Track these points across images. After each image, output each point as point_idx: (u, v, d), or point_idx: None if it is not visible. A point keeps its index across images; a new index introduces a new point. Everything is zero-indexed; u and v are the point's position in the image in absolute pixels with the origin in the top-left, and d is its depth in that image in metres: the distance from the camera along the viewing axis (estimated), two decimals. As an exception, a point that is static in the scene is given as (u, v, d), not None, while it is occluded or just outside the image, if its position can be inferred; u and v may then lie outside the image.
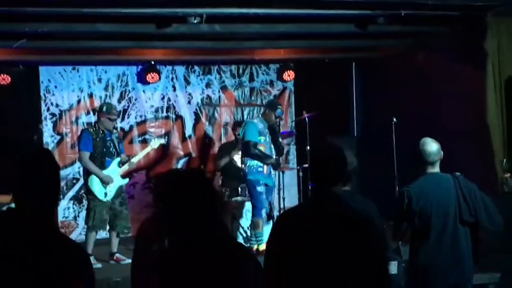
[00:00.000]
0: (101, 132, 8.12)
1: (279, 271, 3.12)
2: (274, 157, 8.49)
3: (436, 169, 5.01)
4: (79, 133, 10.13)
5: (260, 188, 8.30)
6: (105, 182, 8.01)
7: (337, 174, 3.34)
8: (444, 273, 4.87)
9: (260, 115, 8.76)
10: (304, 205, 3.36)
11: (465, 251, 4.93)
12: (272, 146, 8.56)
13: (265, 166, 8.36)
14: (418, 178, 5.03)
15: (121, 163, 8.28)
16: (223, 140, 10.93)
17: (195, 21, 7.30)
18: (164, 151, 10.65)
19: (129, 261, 7.59)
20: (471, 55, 8.21)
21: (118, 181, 8.19)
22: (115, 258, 8.17)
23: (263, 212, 8.40)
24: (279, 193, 9.38)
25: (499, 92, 7.90)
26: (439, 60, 9.06)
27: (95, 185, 8.02)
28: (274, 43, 9.61)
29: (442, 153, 5.03)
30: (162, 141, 9.42)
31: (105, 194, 8.05)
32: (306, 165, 9.18)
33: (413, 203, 4.85)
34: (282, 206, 9.36)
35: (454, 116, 8.54)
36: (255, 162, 8.31)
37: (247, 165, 8.34)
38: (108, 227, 8.22)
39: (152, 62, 10.29)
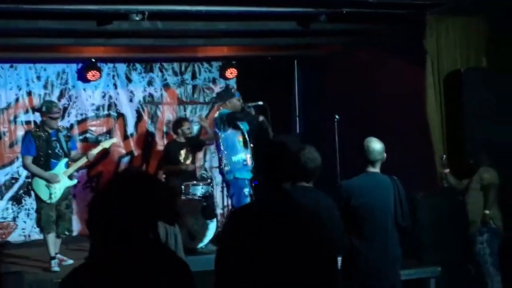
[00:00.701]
0: (45, 132, 7.72)
1: (232, 270, 3.09)
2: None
3: (377, 169, 5.02)
4: (17, 132, 10.07)
5: (247, 191, 7.99)
6: (50, 182, 7.64)
7: (288, 171, 3.33)
8: (381, 276, 4.88)
9: (221, 109, 8.43)
10: (254, 203, 3.32)
11: (398, 253, 5.00)
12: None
13: (248, 158, 8.06)
14: (358, 175, 5.05)
15: (70, 162, 7.90)
16: (165, 139, 10.84)
17: (137, 18, 7.22)
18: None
19: (71, 261, 7.53)
20: (412, 53, 8.35)
21: (65, 183, 7.80)
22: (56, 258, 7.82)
23: None
24: (222, 191, 9.39)
25: (438, 89, 8.04)
26: (380, 58, 9.19)
27: (40, 187, 7.70)
28: (216, 41, 9.60)
29: (385, 155, 5.05)
30: (115, 140, 9.24)
31: (50, 195, 7.69)
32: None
33: (351, 200, 4.85)
34: (226, 203, 9.39)
35: (396, 113, 8.68)
36: (239, 157, 8.04)
37: (232, 161, 8.01)
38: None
39: (93, 60, 10.14)
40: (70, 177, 7.90)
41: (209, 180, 9.65)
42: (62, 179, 7.75)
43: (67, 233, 7.92)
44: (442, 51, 8.05)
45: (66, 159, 7.85)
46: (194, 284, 2.56)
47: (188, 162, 9.20)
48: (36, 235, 9.29)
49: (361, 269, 4.88)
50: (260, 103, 8.48)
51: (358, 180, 4.99)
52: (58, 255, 7.85)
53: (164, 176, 9.50)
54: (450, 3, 7.68)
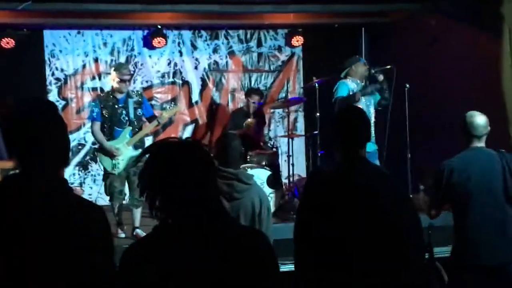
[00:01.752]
0: (114, 98, 7.50)
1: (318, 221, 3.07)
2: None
3: (482, 143, 4.79)
4: (84, 98, 10.17)
5: None
6: (109, 154, 7.46)
7: (365, 137, 3.28)
8: (487, 252, 4.66)
9: (346, 77, 8.11)
10: (334, 166, 3.25)
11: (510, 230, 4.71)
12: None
13: None
14: (460, 151, 4.84)
15: (136, 130, 7.59)
16: (231, 106, 10.80)
17: (204, -17, 7.13)
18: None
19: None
20: (486, 19, 8.05)
21: (129, 153, 7.50)
22: (134, 234, 7.59)
23: None
24: (288, 160, 9.29)
25: (515, 58, 7.74)
26: (451, 25, 8.88)
27: (103, 156, 7.57)
28: (283, 8, 9.43)
29: (489, 128, 4.81)
30: (182, 108, 9.00)
31: (114, 166, 7.49)
32: (316, 132, 9.05)
33: (453, 177, 4.67)
34: (291, 173, 9.29)
35: (468, 83, 8.39)
36: None
37: None
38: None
39: (159, 27, 10.10)
40: (136, 146, 7.61)
41: (274, 149, 9.55)
42: (125, 149, 7.50)
43: (136, 203, 7.54)
44: (519, 17, 7.73)
45: (130, 128, 7.56)
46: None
47: (252, 128, 9.10)
48: (102, 201, 9.36)
49: (470, 250, 4.71)
50: (388, 67, 8.16)
51: (461, 156, 4.78)
52: (137, 230, 7.58)
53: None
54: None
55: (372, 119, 7.87)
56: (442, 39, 8.99)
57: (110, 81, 7.76)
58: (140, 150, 7.47)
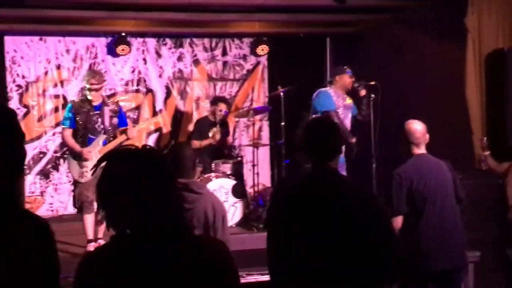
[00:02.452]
0: (87, 104, 7.29)
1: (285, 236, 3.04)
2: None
3: (423, 150, 4.93)
4: (46, 106, 10.00)
5: None
6: (80, 159, 7.20)
7: (336, 149, 3.24)
8: (442, 258, 4.74)
9: (329, 87, 8.18)
10: (303, 179, 3.22)
11: (462, 234, 4.86)
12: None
13: None
14: (406, 161, 4.91)
15: (110, 139, 7.35)
16: (195, 115, 10.71)
17: (170, -10, 7.06)
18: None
19: None
20: (451, 30, 8.10)
21: None
22: (98, 244, 7.18)
23: None
24: (253, 169, 9.24)
25: (478, 69, 7.79)
26: (417, 35, 8.94)
27: (72, 164, 7.33)
28: (249, 16, 9.42)
29: (428, 135, 4.97)
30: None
31: (81, 174, 7.24)
32: (281, 141, 9.03)
33: (413, 185, 4.75)
34: (255, 182, 9.24)
35: (433, 93, 8.45)
36: None
37: None
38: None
39: (123, 34, 9.99)
40: None
41: (239, 159, 9.50)
42: (96, 157, 7.08)
43: None
44: (483, 29, 7.78)
45: (104, 136, 7.34)
46: None
47: (218, 138, 9.05)
48: (63, 210, 9.22)
49: (424, 252, 4.76)
50: (373, 83, 8.19)
51: (412, 164, 4.88)
52: (100, 241, 7.27)
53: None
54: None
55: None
56: (407, 49, 9.04)
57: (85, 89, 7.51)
58: None
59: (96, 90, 7.30)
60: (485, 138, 7.28)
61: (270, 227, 3.23)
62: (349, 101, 8.16)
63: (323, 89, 8.13)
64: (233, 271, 2.32)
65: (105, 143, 7.33)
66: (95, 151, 7.25)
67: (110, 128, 7.39)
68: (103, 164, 2.33)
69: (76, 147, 7.25)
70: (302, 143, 3.40)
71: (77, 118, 7.27)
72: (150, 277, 2.14)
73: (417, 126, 4.96)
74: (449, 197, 4.84)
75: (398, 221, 4.83)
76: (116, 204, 2.21)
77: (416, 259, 4.85)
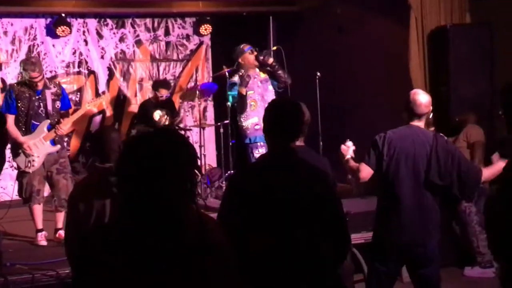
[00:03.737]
0: (28, 89, 6.87)
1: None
2: None
3: (421, 123, 4.77)
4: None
5: (258, 151, 7.56)
6: (24, 149, 6.83)
7: (297, 130, 3.21)
8: (408, 232, 4.68)
9: (238, 69, 8.05)
10: (261, 160, 3.19)
11: (433, 215, 4.73)
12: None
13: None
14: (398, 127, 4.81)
15: (53, 124, 6.92)
16: (139, 96, 10.57)
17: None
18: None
19: None
20: (394, 8, 8.18)
21: (45, 148, 6.89)
22: (57, 235, 6.94)
23: None
24: (200, 150, 9.17)
25: (421, 46, 7.90)
26: (360, 14, 9.00)
27: (17, 152, 6.94)
28: (192, -5, 9.31)
29: (431, 108, 4.82)
30: (103, 98, 8.19)
31: (28, 163, 6.86)
32: (227, 121, 8.98)
33: (384, 147, 4.64)
34: (202, 162, 9.20)
35: (377, 71, 8.53)
36: (250, 121, 7.72)
37: (242, 127, 7.76)
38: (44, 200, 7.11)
39: (63, 15, 9.74)
40: (54, 141, 7.00)
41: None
42: (42, 145, 6.89)
43: (64, 203, 6.76)
44: (426, 6, 7.88)
45: (48, 121, 6.94)
46: None
47: (164, 121, 8.96)
48: (7, 197, 8.97)
49: (391, 229, 4.71)
50: (274, 48, 8.26)
51: (397, 131, 4.75)
52: (61, 231, 6.85)
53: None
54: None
55: None
56: (351, 28, 9.09)
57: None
58: (59, 146, 7.04)
59: (38, 80, 6.86)
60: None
61: (224, 219, 3.17)
62: (263, 75, 8.02)
63: (230, 80, 8.03)
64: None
65: (49, 128, 6.95)
66: (39, 138, 6.90)
67: (53, 112, 7.00)
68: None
69: (19, 137, 6.86)
70: (263, 123, 3.37)
71: (19, 104, 6.87)
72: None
73: (423, 99, 4.74)
74: (416, 173, 4.66)
75: (363, 169, 4.75)
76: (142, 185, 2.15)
77: (381, 230, 4.84)
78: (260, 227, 3.06)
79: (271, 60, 7.86)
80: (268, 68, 7.80)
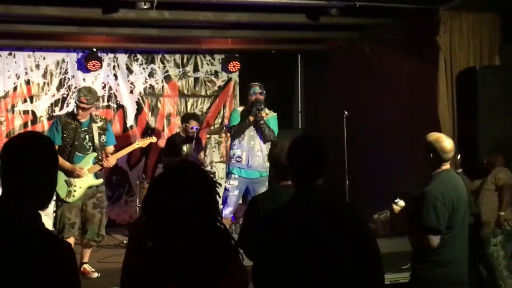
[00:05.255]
0: (76, 121, 6.85)
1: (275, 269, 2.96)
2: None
3: (448, 166, 4.71)
4: (15, 121, 9.86)
5: (230, 182, 7.70)
6: (70, 175, 6.75)
7: (323, 168, 3.18)
8: (461, 273, 4.68)
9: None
10: (290, 202, 3.13)
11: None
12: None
13: (244, 155, 7.67)
14: (434, 178, 4.77)
15: (99, 158, 6.93)
16: (166, 131, 10.65)
17: (145, 7, 7.00)
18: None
19: (97, 275, 7.00)
20: (423, 49, 8.19)
21: (88, 180, 6.87)
22: (81, 269, 6.79)
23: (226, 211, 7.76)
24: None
25: (450, 87, 7.89)
26: (389, 54, 9.01)
27: (58, 182, 6.78)
28: (221, 33, 9.41)
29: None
30: (154, 139, 8.08)
31: (69, 192, 6.78)
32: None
33: (453, 202, 4.52)
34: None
35: (406, 111, 8.51)
36: (237, 151, 7.69)
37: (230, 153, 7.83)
38: (78, 233, 6.95)
39: (94, 49, 9.90)
40: (97, 175, 6.99)
41: (212, 175, 9.43)
42: (86, 176, 6.85)
43: (97, 238, 6.95)
44: (455, 48, 7.89)
45: (94, 154, 6.92)
46: None
47: (190, 154, 9.00)
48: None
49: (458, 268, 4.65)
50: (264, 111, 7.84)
51: (443, 179, 4.61)
52: (85, 265, 6.90)
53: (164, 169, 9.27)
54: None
55: (263, 150, 7.65)
56: (379, 66, 9.10)
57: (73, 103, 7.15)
58: (101, 180, 7.05)
59: (83, 109, 6.84)
60: (459, 155, 7.35)
61: (251, 253, 3.14)
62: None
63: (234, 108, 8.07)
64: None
65: (94, 162, 6.95)
66: (85, 170, 6.89)
67: (99, 146, 6.97)
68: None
69: (66, 163, 6.76)
70: (286, 161, 3.34)
71: (64, 135, 6.84)
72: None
73: (448, 144, 4.62)
74: (467, 211, 4.68)
75: (434, 240, 4.56)
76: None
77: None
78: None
79: (257, 115, 7.63)
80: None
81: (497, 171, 6.92)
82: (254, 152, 7.67)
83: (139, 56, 10.58)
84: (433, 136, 4.68)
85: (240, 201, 10.50)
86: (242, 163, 7.68)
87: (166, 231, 2.44)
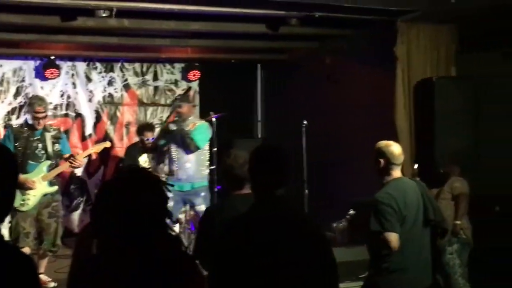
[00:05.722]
0: (28, 130, 6.97)
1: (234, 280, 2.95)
2: None
3: (399, 173, 4.89)
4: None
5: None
6: (23, 188, 6.75)
7: (284, 178, 3.20)
8: (415, 280, 4.75)
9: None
10: (250, 211, 3.14)
11: (429, 255, 4.90)
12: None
13: (173, 168, 7.85)
14: (385, 185, 4.85)
15: (53, 166, 7.06)
16: (125, 140, 10.58)
17: (104, 15, 6.94)
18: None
19: (54, 284, 6.96)
20: (381, 60, 8.28)
21: (42, 189, 6.94)
22: None
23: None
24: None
25: (407, 97, 7.98)
26: (348, 64, 9.09)
27: None
28: (182, 42, 9.39)
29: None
30: (108, 144, 8.26)
31: (23, 201, 6.82)
32: (213, 167, 9.00)
33: (401, 209, 4.67)
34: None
35: (363, 121, 8.59)
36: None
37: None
38: (34, 243, 6.98)
39: (52, 57, 9.79)
40: (51, 183, 7.05)
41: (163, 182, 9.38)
42: (39, 184, 6.92)
43: (53, 248, 7.00)
44: (412, 58, 7.99)
45: (48, 162, 7.02)
46: None
47: (148, 166, 8.95)
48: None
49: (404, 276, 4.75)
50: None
51: (394, 187, 4.80)
52: (41, 276, 6.89)
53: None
54: (421, 10, 7.61)
55: (191, 160, 7.82)
56: (339, 76, 9.17)
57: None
58: (56, 187, 7.08)
59: (43, 118, 6.97)
60: (416, 165, 7.45)
61: (208, 262, 3.13)
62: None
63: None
64: None
65: (48, 169, 7.03)
66: (38, 178, 6.93)
67: (52, 154, 7.05)
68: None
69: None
70: (241, 171, 3.37)
71: (16, 144, 6.89)
72: None
73: (396, 149, 4.86)
74: (419, 219, 4.81)
75: (392, 238, 4.67)
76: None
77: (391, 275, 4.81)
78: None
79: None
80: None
81: (453, 181, 7.02)
82: (181, 164, 7.70)
83: (98, 64, 10.49)
84: (382, 143, 4.85)
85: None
86: (173, 176, 7.77)
87: (114, 240, 2.39)
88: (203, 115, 10.27)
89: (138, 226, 2.37)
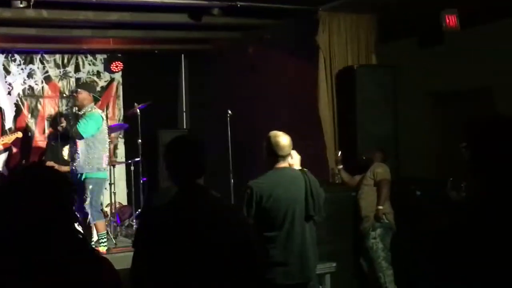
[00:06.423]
0: None
1: (156, 268, 2.95)
2: None
3: (286, 164, 4.90)
4: None
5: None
6: None
7: (202, 167, 3.21)
8: (292, 273, 4.78)
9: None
10: (172, 200, 3.14)
11: (311, 249, 4.89)
12: None
13: (104, 158, 7.75)
14: (266, 173, 4.87)
15: None
16: (47, 133, 10.36)
17: (21, 5, 6.78)
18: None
19: None
20: (304, 48, 8.36)
21: None
22: None
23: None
24: (110, 188, 9.05)
25: (330, 86, 8.07)
26: (271, 53, 9.14)
27: None
28: (103, 32, 9.25)
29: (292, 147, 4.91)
30: (20, 134, 8.09)
31: None
32: (138, 159, 8.95)
33: (263, 200, 4.67)
34: (113, 200, 9.08)
35: (288, 109, 8.65)
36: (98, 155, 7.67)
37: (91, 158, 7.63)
38: None
39: (-32, 49, 9.52)
40: None
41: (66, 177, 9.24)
42: None
43: None
44: (334, 47, 8.08)
45: None
46: None
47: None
48: None
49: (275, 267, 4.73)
50: None
51: (267, 178, 4.81)
52: None
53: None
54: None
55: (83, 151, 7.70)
56: (263, 66, 9.21)
57: None
58: None
59: None
60: (339, 152, 7.56)
61: (136, 247, 3.14)
62: None
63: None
64: None
65: None
66: None
67: None
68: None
69: None
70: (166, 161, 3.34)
71: None
72: None
73: (284, 141, 4.83)
74: (297, 213, 4.77)
75: None
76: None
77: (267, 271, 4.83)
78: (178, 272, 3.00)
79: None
80: None
81: (375, 166, 7.16)
82: (75, 154, 7.69)
83: (17, 56, 10.25)
84: (272, 133, 4.87)
85: (125, 202, 10.43)
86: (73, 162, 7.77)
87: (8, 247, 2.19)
88: (127, 107, 10.21)
89: (35, 230, 2.20)
